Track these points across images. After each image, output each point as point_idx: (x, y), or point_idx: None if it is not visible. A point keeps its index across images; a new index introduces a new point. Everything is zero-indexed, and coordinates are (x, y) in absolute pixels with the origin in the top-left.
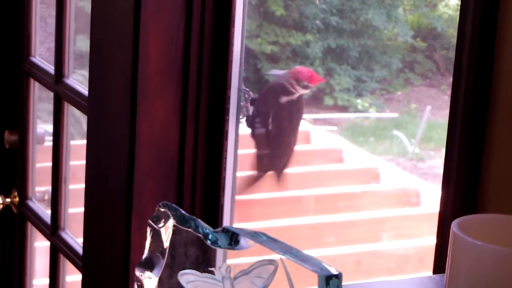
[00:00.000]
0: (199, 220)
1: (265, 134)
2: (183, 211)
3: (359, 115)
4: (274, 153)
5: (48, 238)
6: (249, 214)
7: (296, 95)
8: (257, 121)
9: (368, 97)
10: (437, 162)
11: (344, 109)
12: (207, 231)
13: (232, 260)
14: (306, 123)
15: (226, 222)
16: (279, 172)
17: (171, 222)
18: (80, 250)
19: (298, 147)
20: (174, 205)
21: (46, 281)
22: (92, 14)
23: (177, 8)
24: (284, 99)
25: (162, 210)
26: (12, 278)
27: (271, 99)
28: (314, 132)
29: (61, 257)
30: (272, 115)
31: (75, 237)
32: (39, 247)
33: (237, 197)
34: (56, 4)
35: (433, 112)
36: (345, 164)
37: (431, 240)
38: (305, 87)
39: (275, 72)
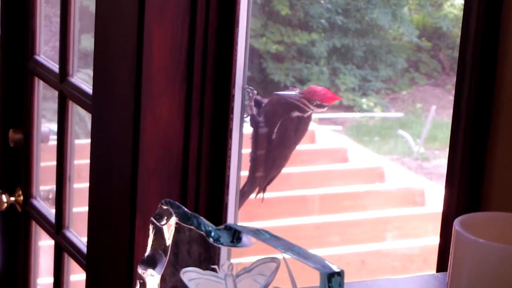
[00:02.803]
0: (202, 217)
1: (266, 138)
2: (185, 209)
3: (364, 115)
4: (268, 163)
5: (52, 237)
6: (254, 213)
7: (309, 112)
8: (262, 125)
9: (373, 97)
10: (442, 161)
11: (349, 108)
12: (210, 228)
13: (237, 260)
14: (311, 123)
15: (230, 221)
16: (262, 188)
17: (173, 219)
18: (84, 249)
19: (303, 147)
20: (176, 202)
21: (51, 280)
22: (96, 12)
23: (182, 6)
24: (295, 113)
25: (165, 207)
26: (17, 277)
27: (281, 108)
28: (319, 132)
29: (66, 256)
30: (279, 125)
31: (79, 236)
32: (44, 246)
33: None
34: (61, 3)
35: (438, 112)
36: (350, 164)
37: (436, 240)
38: (320, 106)
39: (285, 94)
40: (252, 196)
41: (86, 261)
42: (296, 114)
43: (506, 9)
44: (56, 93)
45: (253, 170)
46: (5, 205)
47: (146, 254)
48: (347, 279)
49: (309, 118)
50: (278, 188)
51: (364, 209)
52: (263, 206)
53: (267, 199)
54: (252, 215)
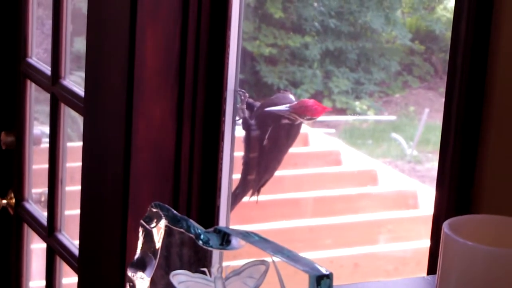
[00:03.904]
0: (191, 220)
1: (258, 144)
2: (175, 212)
3: (357, 118)
4: (260, 166)
5: (44, 239)
6: (247, 216)
7: (298, 121)
8: (254, 128)
9: (366, 100)
10: (435, 164)
11: (342, 111)
12: (199, 231)
13: (229, 263)
14: (304, 125)
15: (222, 224)
16: (256, 190)
17: (163, 222)
18: (76, 251)
19: (296, 149)
20: (166, 205)
21: (43, 283)
22: (88, 15)
23: (174, 9)
24: (285, 121)
25: (154, 210)
26: (9, 280)
27: (271, 116)
28: (312, 135)
29: (58, 258)
30: (270, 131)
31: (71, 239)
32: (36, 249)
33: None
34: (53, 5)
35: (431, 115)
36: (343, 167)
37: (429, 243)
38: (310, 119)
39: (275, 110)
40: (246, 198)
41: (78, 264)
42: (286, 121)
43: (496, 13)
44: (48, 95)
45: (245, 173)
46: None
47: (136, 257)
48: (340, 282)
49: (300, 123)
50: (271, 191)
51: (357, 212)
52: (256, 209)
53: (260, 202)
54: (245, 218)
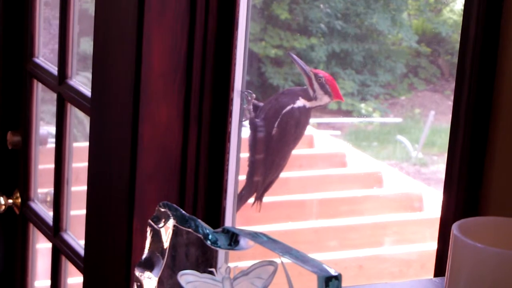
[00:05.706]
0: (199, 220)
1: (265, 138)
2: (183, 211)
3: (363, 120)
4: (266, 166)
5: (50, 239)
6: (252, 217)
7: (312, 95)
8: (261, 124)
9: (372, 102)
10: (440, 167)
11: (348, 113)
12: (207, 231)
13: (238, 263)
14: (309, 127)
15: (228, 225)
16: (260, 195)
17: (171, 222)
18: (81, 251)
19: (301, 151)
20: (174, 205)
21: (48, 282)
22: (95, 16)
23: (181, 10)
24: (299, 102)
25: (162, 210)
26: (14, 280)
27: (286, 98)
28: (318, 136)
29: (63, 258)
30: (280, 117)
31: (77, 239)
32: (41, 249)
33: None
34: (60, 5)
35: (437, 117)
36: (348, 169)
37: (434, 245)
38: (322, 87)
39: (297, 58)
40: (250, 200)
41: (83, 264)
42: (299, 103)
43: (505, 15)
44: (54, 95)
45: (251, 174)
46: (3, 207)
47: (144, 256)
48: (344, 284)
49: (309, 112)
50: (276, 192)
51: (362, 214)
52: (261, 210)
53: (265, 204)
54: (250, 219)
